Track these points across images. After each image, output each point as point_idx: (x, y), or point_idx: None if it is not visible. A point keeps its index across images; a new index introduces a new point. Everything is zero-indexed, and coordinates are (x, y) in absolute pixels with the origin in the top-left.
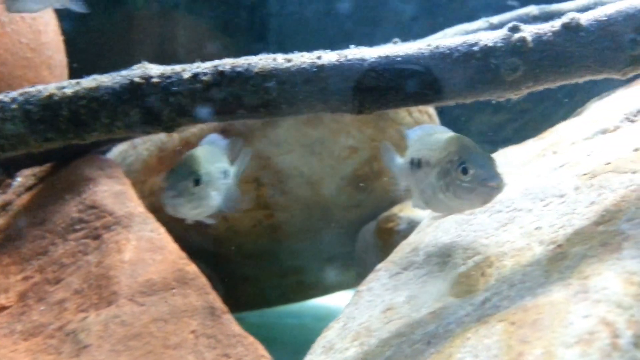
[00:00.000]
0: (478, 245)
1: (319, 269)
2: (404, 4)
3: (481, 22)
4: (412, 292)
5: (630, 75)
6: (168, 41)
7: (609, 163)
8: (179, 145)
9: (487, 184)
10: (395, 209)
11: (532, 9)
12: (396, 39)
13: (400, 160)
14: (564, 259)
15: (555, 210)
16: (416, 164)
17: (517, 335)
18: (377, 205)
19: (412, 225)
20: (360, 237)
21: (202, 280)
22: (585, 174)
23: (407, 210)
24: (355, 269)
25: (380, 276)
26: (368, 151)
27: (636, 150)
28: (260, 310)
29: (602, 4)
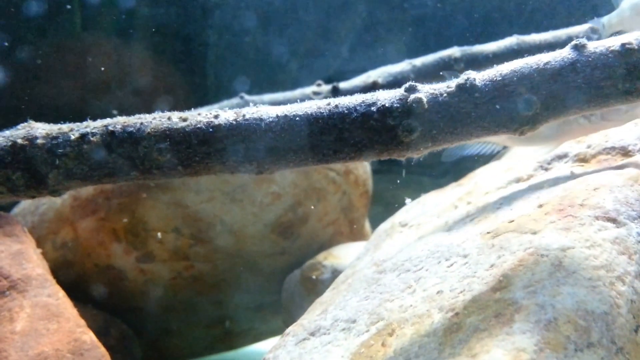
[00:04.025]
0: (383, 310)
1: (246, 318)
2: (344, 35)
3: (405, 64)
4: None
5: (528, 134)
6: (101, 71)
7: (513, 221)
8: (94, 194)
9: None
10: (320, 257)
11: (455, 51)
12: (319, 82)
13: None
14: (458, 331)
15: (458, 272)
16: None
17: None
18: (303, 252)
19: (336, 275)
20: (285, 285)
21: (100, 350)
22: (488, 232)
23: (331, 259)
24: (282, 317)
25: (287, 342)
26: (292, 197)
27: (540, 206)
28: None
29: (524, 44)
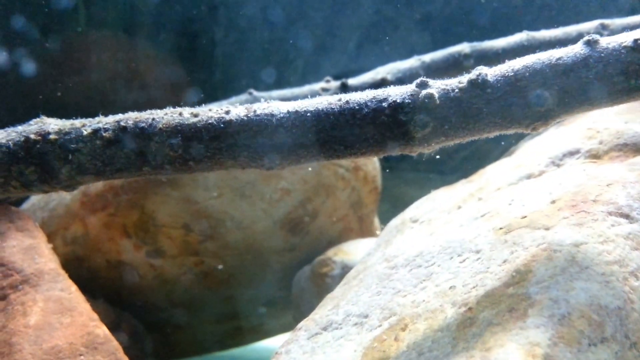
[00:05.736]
0: (395, 305)
1: (256, 314)
2: (351, 32)
3: (414, 61)
4: (327, 357)
5: (541, 129)
6: (108, 68)
7: (525, 217)
8: (103, 190)
9: None
10: (329, 253)
11: (464, 47)
12: (328, 78)
13: None
14: (472, 325)
15: (471, 267)
16: None
17: None
18: (313, 248)
19: (346, 271)
20: (295, 281)
21: (114, 344)
22: (501, 228)
23: (341, 254)
24: (292, 313)
25: (299, 337)
26: (301, 193)
27: (553, 202)
28: (199, 357)
29: (534, 40)
